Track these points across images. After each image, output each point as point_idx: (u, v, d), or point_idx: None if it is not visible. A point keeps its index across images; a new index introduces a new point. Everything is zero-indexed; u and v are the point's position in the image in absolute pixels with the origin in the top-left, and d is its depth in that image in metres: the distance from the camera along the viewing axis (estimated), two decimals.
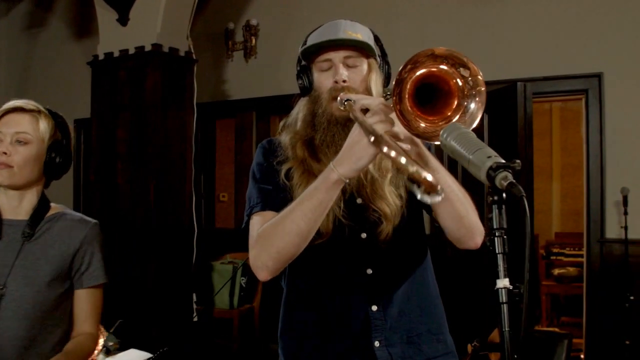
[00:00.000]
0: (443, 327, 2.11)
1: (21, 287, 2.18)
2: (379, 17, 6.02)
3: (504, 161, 1.33)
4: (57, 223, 2.31)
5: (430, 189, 1.43)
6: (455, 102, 1.69)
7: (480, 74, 1.66)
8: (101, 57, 6.06)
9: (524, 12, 5.72)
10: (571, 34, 5.52)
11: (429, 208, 1.96)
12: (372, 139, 1.56)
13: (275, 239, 1.85)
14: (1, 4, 8.56)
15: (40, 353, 2.21)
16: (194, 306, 6.06)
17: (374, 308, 1.98)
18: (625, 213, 5.01)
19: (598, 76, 5.43)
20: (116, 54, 5.95)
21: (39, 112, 2.27)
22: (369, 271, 1.99)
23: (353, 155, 1.70)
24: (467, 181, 1.90)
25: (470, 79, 1.66)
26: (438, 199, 1.43)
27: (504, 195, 1.33)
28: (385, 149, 1.50)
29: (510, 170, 1.32)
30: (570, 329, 6.95)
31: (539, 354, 3.54)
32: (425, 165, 1.74)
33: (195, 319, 6.05)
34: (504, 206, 1.34)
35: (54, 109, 2.38)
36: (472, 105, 1.67)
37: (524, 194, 1.27)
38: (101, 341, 2.76)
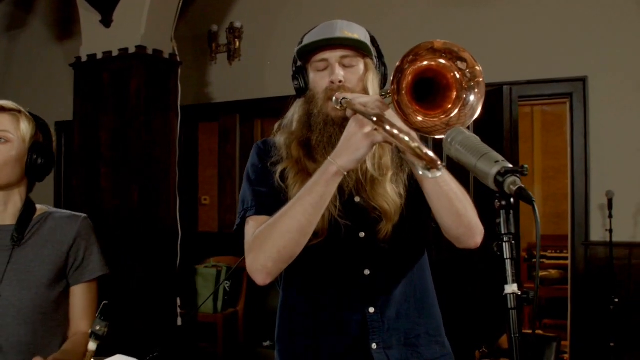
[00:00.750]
0: (441, 329, 2.09)
1: (17, 291, 2.13)
2: (364, 21, 5.99)
3: (511, 166, 1.32)
4: (46, 223, 2.27)
5: (431, 164, 1.47)
6: (455, 95, 1.68)
7: (478, 65, 1.65)
8: (84, 59, 5.99)
9: (510, 16, 5.75)
10: (556, 38, 5.55)
11: (427, 207, 1.94)
12: (375, 119, 1.57)
13: (275, 238, 1.82)
14: None
15: (47, 357, 2.17)
16: (178, 310, 6.01)
17: (372, 310, 1.96)
18: (610, 216, 5.03)
19: (582, 80, 5.45)
20: (99, 56, 5.89)
21: (20, 112, 2.22)
22: (367, 272, 1.97)
23: (351, 147, 1.69)
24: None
25: (468, 71, 1.66)
26: (438, 173, 1.50)
27: (512, 200, 1.32)
28: (387, 127, 1.53)
29: (518, 175, 1.30)
30: (553, 331, 6.98)
31: (529, 356, 3.55)
32: None
33: (180, 323, 6.00)
34: (512, 211, 1.33)
35: (35, 111, 2.33)
36: (472, 98, 1.67)
37: (534, 199, 1.26)
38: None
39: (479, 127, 5.32)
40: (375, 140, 1.67)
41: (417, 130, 1.67)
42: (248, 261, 1.89)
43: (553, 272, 7.61)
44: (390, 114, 1.67)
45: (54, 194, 7.79)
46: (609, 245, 5.08)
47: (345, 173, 1.74)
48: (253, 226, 1.93)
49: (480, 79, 1.65)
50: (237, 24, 7.00)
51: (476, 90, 1.66)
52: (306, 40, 2.01)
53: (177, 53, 6.09)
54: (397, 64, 1.62)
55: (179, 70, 6.11)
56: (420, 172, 1.49)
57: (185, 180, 6.85)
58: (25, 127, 2.21)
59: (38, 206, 2.32)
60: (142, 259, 5.66)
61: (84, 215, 2.36)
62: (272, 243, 1.82)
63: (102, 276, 2.36)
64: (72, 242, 2.26)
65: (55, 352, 2.15)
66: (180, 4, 6.05)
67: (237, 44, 7.02)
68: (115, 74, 5.81)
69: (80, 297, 2.31)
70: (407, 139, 1.48)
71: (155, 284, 5.73)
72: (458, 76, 1.66)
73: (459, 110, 1.67)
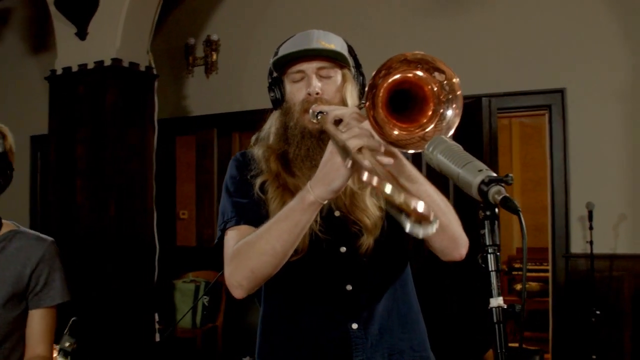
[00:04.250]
0: (425, 343, 2.05)
1: None
2: (343, 31, 5.99)
3: (495, 175, 1.28)
4: (12, 243, 2.22)
5: (422, 219, 1.29)
6: (431, 109, 1.63)
7: (456, 77, 1.60)
8: (59, 72, 5.92)
9: (489, 28, 5.75)
10: (534, 49, 5.56)
11: None
12: (349, 164, 1.50)
13: (249, 258, 1.78)
14: None
15: None
16: (156, 326, 5.93)
17: (354, 326, 1.91)
18: (591, 228, 5.02)
19: (561, 92, 5.47)
20: (75, 69, 5.82)
21: None
22: (349, 287, 1.92)
23: (326, 177, 1.64)
24: None
25: (445, 83, 1.60)
26: (432, 230, 1.29)
27: (497, 210, 1.28)
28: (365, 177, 1.39)
29: (503, 184, 1.26)
30: (533, 344, 6.96)
31: None
32: (402, 173, 1.71)
33: (158, 339, 5.92)
34: (496, 222, 1.29)
35: (11, 125, 2.27)
36: (449, 112, 1.61)
37: (520, 209, 1.22)
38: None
39: (457, 139, 5.33)
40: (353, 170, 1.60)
41: (392, 144, 1.62)
42: (226, 274, 1.85)
43: (533, 284, 7.61)
44: (368, 126, 1.63)
45: (30, 209, 7.68)
46: (589, 257, 5.07)
47: (324, 202, 1.69)
48: (234, 237, 1.89)
49: (458, 92, 1.60)
50: (214, 37, 6.97)
51: (454, 105, 1.61)
52: (282, 51, 1.97)
53: (153, 66, 6.04)
54: (369, 80, 1.58)
55: (156, 83, 6.05)
56: (408, 228, 1.29)
57: (163, 194, 6.78)
58: None
59: (5, 222, 2.26)
60: (119, 274, 5.58)
61: (51, 239, 2.31)
62: (247, 262, 1.78)
63: (65, 302, 2.31)
64: (35, 265, 2.21)
65: None
66: (157, 16, 6.00)
67: (214, 56, 6.99)
68: (91, 87, 5.73)
69: (38, 322, 2.26)
70: (388, 190, 1.32)
71: (132, 299, 5.65)
72: (435, 89, 1.61)
73: (435, 125, 1.62)
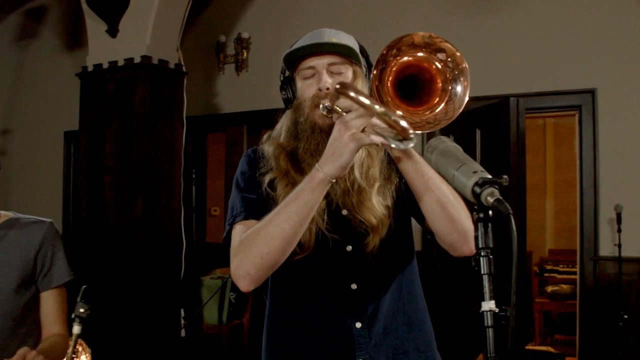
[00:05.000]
0: (431, 344, 2.04)
1: None
2: (369, 31, 5.97)
3: (490, 176, 1.27)
4: (12, 229, 2.29)
5: (402, 133, 1.43)
6: (440, 87, 1.63)
7: (458, 51, 1.60)
8: (90, 68, 5.99)
9: (517, 28, 5.70)
10: (565, 49, 5.49)
11: (420, 217, 1.89)
12: (338, 86, 1.57)
13: (258, 244, 1.76)
14: None
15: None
16: (182, 321, 5.97)
17: (358, 325, 1.91)
18: (619, 230, 4.95)
19: (591, 92, 5.39)
20: (105, 66, 5.87)
21: None
22: (354, 286, 1.92)
23: (334, 153, 1.64)
24: None
25: (449, 60, 1.60)
26: (410, 144, 1.43)
27: (490, 212, 1.26)
28: (352, 94, 1.52)
29: (496, 186, 1.25)
30: (564, 347, 6.90)
31: None
32: (409, 158, 1.71)
33: (184, 335, 5.95)
34: (490, 224, 1.28)
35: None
36: (458, 88, 1.62)
37: (511, 212, 1.20)
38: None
39: (484, 139, 5.29)
40: (361, 142, 1.61)
41: None
42: (232, 266, 1.84)
43: (565, 286, 7.51)
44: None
45: (62, 202, 7.77)
46: (618, 260, 5.00)
47: (333, 181, 1.68)
48: (241, 230, 1.89)
49: (463, 65, 1.60)
50: (245, 35, 6.99)
51: (461, 79, 1.61)
52: (293, 47, 1.97)
53: (182, 63, 6.07)
54: (379, 56, 1.58)
55: (185, 81, 6.09)
56: (392, 144, 1.44)
57: (194, 191, 6.82)
58: None
59: (2, 212, 2.33)
60: (145, 270, 5.62)
61: (49, 220, 2.38)
62: (256, 249, 1.77)
63: (70, 282, 2.39)
64: (38, 247, 2.28)
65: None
66: (187, 14, 6.04)
67: (245, 54, 7.01)
68: (121, 83, 5.79)
69: (51, 303, 2.33)
70: (377, 107, 1.44)
71: (158, 295, 5.69)
72: (440, 67, 1.61)
73: (446, 104, 1.62)
